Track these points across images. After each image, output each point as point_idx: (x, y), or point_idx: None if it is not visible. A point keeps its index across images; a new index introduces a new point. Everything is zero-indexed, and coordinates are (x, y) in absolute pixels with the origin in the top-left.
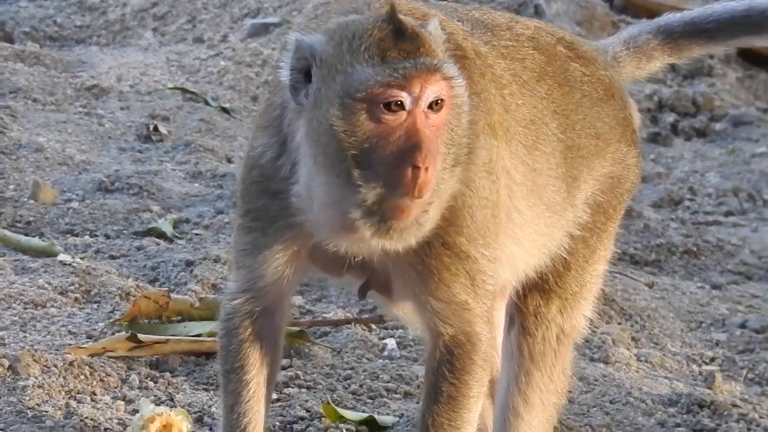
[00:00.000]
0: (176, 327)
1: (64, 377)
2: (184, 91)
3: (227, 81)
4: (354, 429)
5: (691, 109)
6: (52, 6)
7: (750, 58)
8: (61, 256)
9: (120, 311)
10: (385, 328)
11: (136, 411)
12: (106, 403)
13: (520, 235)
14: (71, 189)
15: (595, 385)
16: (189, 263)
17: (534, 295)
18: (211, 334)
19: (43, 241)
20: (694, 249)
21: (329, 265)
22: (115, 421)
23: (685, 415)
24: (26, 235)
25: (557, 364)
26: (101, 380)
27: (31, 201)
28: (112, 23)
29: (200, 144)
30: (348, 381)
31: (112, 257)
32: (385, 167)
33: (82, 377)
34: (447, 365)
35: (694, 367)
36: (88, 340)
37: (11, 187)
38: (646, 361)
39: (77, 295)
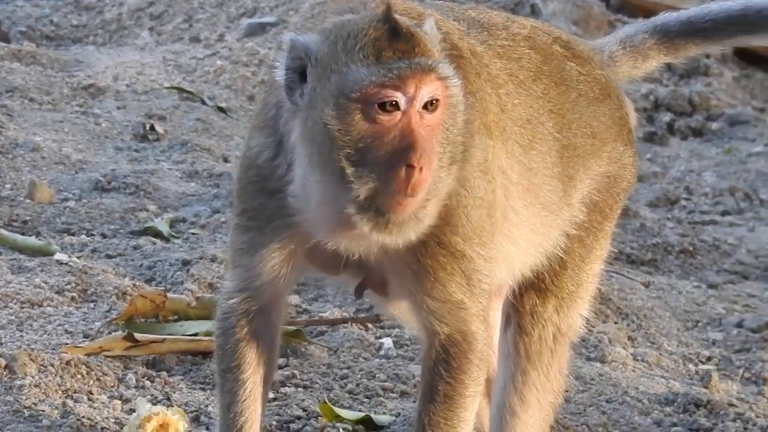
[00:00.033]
0: (173, 326)
1: (60, 376)
2: (181, 90)
3: (224, 80)
4: (350, 428)
5: (687, 109)
6: (48, 5)
7: (746, 58)
8: (58, 256)
9: (117, 310)
10: (382, 328)
11: (132, 410)
12: (103, 403)
13: (517, 234)
14: (68, 188)
15: (591, 385)
16: (185, 262)
17: (530, 295)
18: (208, 334)
19: (39, 240)
20: (691, 248)
21: (326, 264)
22: (112, 420)
23: (681, 415)
24: (23, 234)
25: (554, 364)
26: (98, 379)
27: (28, 200)
28: (108, 23)
29: (197, 143)
30: (344, 380)
31: (109, 256)
32: (379, 166)
33: (79, 376)
34: (443, 364)
35: (691, 366)
36: (84, 339)
37: (8, 186)
38: (643, 361)
39: (74, 294)
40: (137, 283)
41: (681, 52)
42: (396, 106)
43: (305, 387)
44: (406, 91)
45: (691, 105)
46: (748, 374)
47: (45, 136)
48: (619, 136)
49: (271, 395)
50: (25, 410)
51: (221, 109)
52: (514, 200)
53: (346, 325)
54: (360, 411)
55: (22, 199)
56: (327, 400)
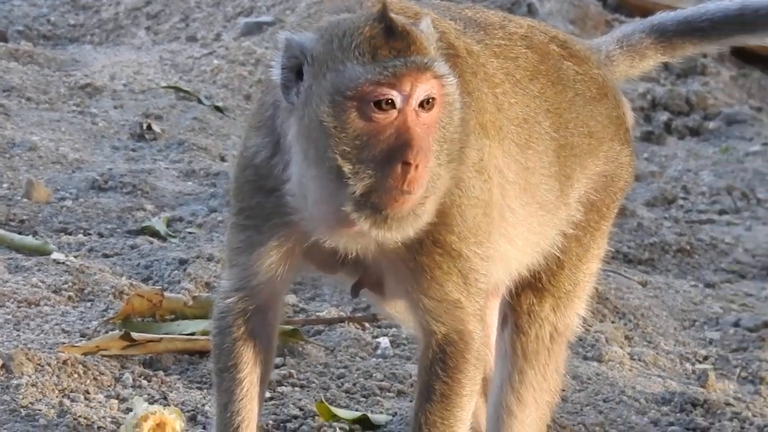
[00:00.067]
0: (170, 325)
1: (57, 376)
2: (178, 89)
3: (220, 80)
4: (347, 427)
5: (684, 108)
6: (45, 5)
7: (743, 57)
8: (55, 255)
9: (113, 310)
10: (379, 327)
11: (129, 410)
12: (100, 402)
13: (513, 233)
14: (65, 187)
15: (588, 384)
16: (182, 262)
17: (527, 294)
18: (205, 333)
19: (36, 239)
20: (688, 247)
21: (323, 262)
22: (109, 419)
23: (678, 414)
24: (20, 233)
25: (550, 363)
26: (95, 379)
27: (25, 199)
28: (105, 22)
29: (194, 142)
30: (341, 379)
31: (106, 256)
32: (376, 164)
33: (76, 376)
34: (440, 364)
35: (688, 365)
36: (81, 338)
37: (5, 185)
38: (640, 360)
39: (71, 293)
40: (134, 283)
41: (678, 52)
42: (392, 104)
43: (302, 386)
44: (401, 89)
45: (688, 104)
46: (745, 373)
47: (42, 136)
48: (616, 135)
49: (267, 394)
50: (21, 409)
51: (218, 109)
52: (511, 199)
53: (343, 324)
54: (357, 410)
55: (19, 198)
56: (324, 400)
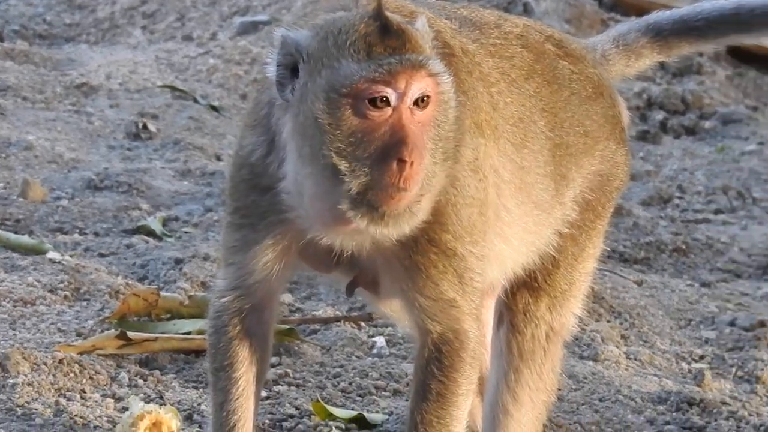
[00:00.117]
0: (165, 325)
1: (53, 375)
2: (173, 89)
3: (216, 79)
4: (343, 427)
5: (680, 107)
6: (41, 4)
7: (739, 56)
8: (51, 254)
9: (109, 309)
10: (375, 326)
11: (125, 409)
12: (96, 401)
13: (509, 233)
14: (60, 187)
15: (584, 383)
16: (178, 261)
17: (523, 293)
18: (201, 332)
19: (32, 238)
20: (684, 247)
21: (318, 261)
22: (105, 419)
23: (674, 413)
24: (15, 232)
25: (546, 362)
26: (91, 378)
27: (21, 199)
28: (101, 21)
29: (189, 142)
30: (337, 379)
31: (102, 255)
32: (371, 161)
33: (72, 375)
34: (436, 363)
35: (684, 364)
36: (77, 337)
37: (0, 185)
38: (636, 359)
39: (67, 292)
40: (130, 282)
41: (674, 51)
42: (386, 101)
43: (298, 385)
44: (396, 87)
45: (684, 103)
46: (741, 373)
47: (38, 135)
48: (612, 134)
49: (263, 394)
50: (17, 409)
51: (214, 108)
52: (507, 199)
53: (338, 323)
54: (353, 409)
55: (15, 197)
56: (320, 399)
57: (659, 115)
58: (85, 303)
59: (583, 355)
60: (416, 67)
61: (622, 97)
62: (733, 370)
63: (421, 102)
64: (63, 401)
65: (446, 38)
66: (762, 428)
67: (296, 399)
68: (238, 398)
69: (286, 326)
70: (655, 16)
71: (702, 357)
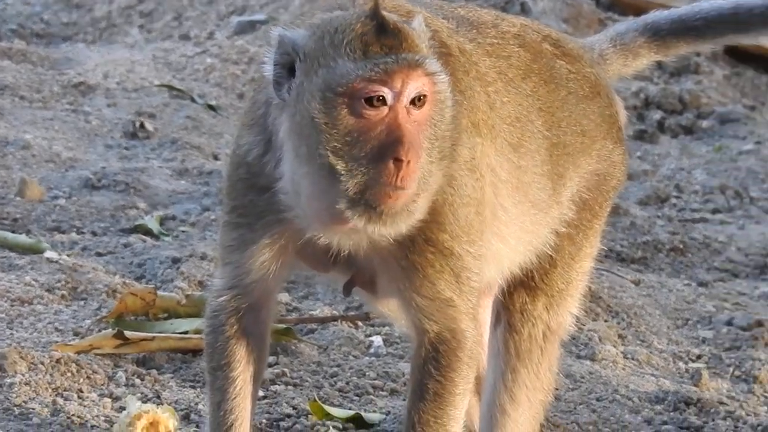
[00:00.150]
0: (163, 324)
1: (50, 374)
2: (171, 88)
3: (213, 78)
4: (340, 426)
5: (677, 107)
6: (39, 3)
7: (737, 56)
8: (48, 253)
9: (107, 308)
10: (372, 326)
11: (122, 408)
12: (93, 401)
13: (506, 232)
14: (58, 186)
15: (581, 383)
16: (175, 260)
17: (520, 293)
18: (198, 331)
19: (29, 238)
20: (681, 246)
21: (315, 260)
22: (102, 418)
23: (671, 413)
24: (13, 232)
25: (543, 362)
26: (88, 377)
27: (18, 198)
28: (98, 20)
29: (187, 141)
30: (334, 378)
31: (99, 254)
32: (367, 160)
33: (69, 374)
34: (432, 362)
35: (681, 364)
36: (74, 337)
37: None
38: (633, 359)
39: (64, 292)
40: (127, 281)
41: (672, 50)
42: (383, 101)
43: (295, 385)
44: (392, 86)
45: (681, 103)
46: (738, 372)
47: (35, 134)
48: (609, 134)
49: (261, 393)
50: (15, 408)
51: (211, 107)
52: (504, 198)
53: (336, 323)
54: (350, 409)
55: (12, 196)
56: (317, 398)
57: (656, 115)
58: (82, 302)
59: (580, 354)
60: (412, 66)
61: (619, 96)
62: (731, 369)
63: (417, 101)
64: (60, 401)
65: (443, 38)
66: (759, 428)
67: (293, 398)
68: (235, 398)
69: (284, 326)
70: (653, 16)
71: (699, 357)
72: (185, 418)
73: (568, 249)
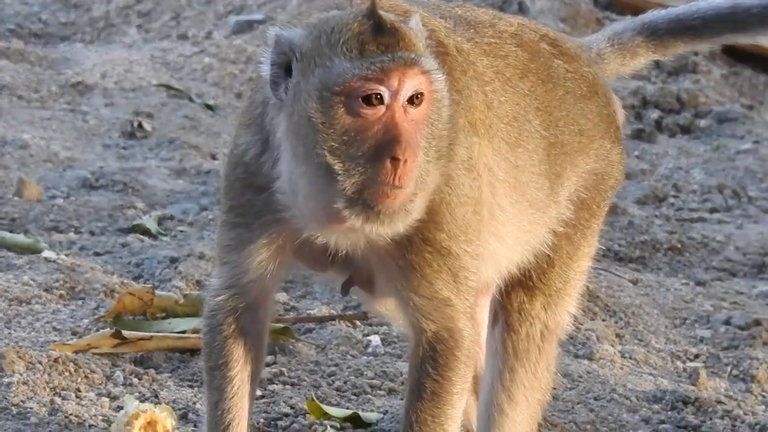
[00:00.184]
0: (160, 324)
1: (48, 374)
2: (169, 87)
3: (211, 78)
4: (338, 426)
5: (675, 106)
6: (36, 3)
7: (734, 55)
8: (46, 253)
9: (104, 308)
10: (370, 325)
11: (120, 408)
12: (91, 400)
13: (503, 231)
14: (56, 186)
15: (579, 382)
16: (173, 260)
17: (518, 292)
18: (196, 331)
19: (27, 237)
20: (679, 246)
21: (313, 260)
22: (100, 417)
23: (669, 412)
24: (11, 231)
25: (541, 361)
26: (86, 377)
27: (16, 198)
28: (96, 20)
29: (184, 141)
30: (332, 378)
31: (97, 254)
32: (365, 159)
33: (67, 374)
34: (430, 361)
35: (679, 363)
36: (72, 336)
37: None
38: (631, 358)
39: (62, 291)
40: (125, 281)
41: (669, 50)
42: (380, 99)
43: (293, 384)
44: (389, 84)
45: (679, 102)
46: (736, 371)
47: (33, 134)
48: (607, 133)
49: (258, 393)
50: (13, 407)
51: (209, 107)
52: (501, 197)
53: (333, 322)
54: (348, 408)
55: (10, 196)
56: (315, 398)
57: (654, 114)
58: (80, 302)
59: (578, 353)
60: (409, 64)
61: (617, 95)
62: (728, 369)
63: (414, 100)
64: (58, 400)
65: (440, 37)
66: (757, 427)
67: (291, 398)
68: (232, 397)
69: (281, 325)
70: (651, 15)
71: (697, 356)
72: (183, 418)
73: (566, 248)
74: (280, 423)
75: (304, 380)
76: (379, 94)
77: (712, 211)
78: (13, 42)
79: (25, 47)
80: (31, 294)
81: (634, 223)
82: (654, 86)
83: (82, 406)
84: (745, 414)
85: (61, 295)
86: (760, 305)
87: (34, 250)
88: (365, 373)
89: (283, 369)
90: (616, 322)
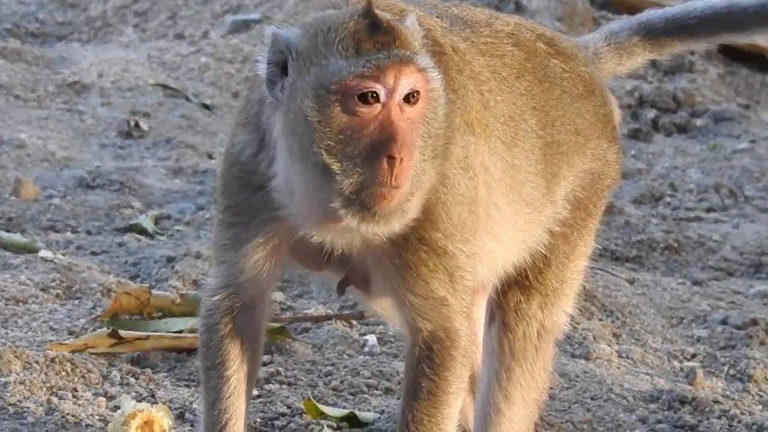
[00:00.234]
0: (157, 323)
1: (45, 373)
2: (165, 87)
3: (208, 77)
4: (335, 425)
5: (671, 105)
6: (33, 2)
7: (731, 54)
8: (43, 253)
9: (101, 307)
10: (366, 324)
11: (117, 407)
12: (88, 400)
13: (499, 231)
14: (53, 185)
15: (576, 382)
16: (170, 259)
17: (515, 292)
18: (192, 330)
19: (24, 237)
20: (675, 245)
21: (309, 259)
22: (97, 417)
23: (666, 412)
24: (8, 231)
25: (538, 361)
26: (82, 376)
27: (13, 197)
28: (93, 20)
29: (181, 140)
30: (329, 377)
31: (94, 253)
32: (361, 158)
33: (64, 373)
34: (426, 361)
35: (676, 363)
36: (69, 336)
37: None
38: (628, 358)
39: (59, 291)
40: (122, 280)
41: (666, 49)
42: (376, 97)
43: (289, 384)
44: (385, 82)
45: (675, 102)
46: (733, 371)
47: (30, 133)
48: (603, 132)
49: (255, 392)
50: (9, 407)
51: (206, 106)
52: (497, 197)
53: (330, 322)
54: (344, 408)
55: (7, 196)
56: (311, 397)
57: (651, 113)
58: (77, 301)
59: (574, 353)
60: (405, 62)
61: (613, 95)
62: (725, 368)
63: (410, 98)
64: (55, 400)
65: (437, 36)
66: (754, 427)
67: (288, 397)
68: (229, 397)
69: (278, 324)
70: (648, 15)
71: (694, 355)
72: (180, 417)
73: (563, 248)
74: (276, 422)
75: (301, 380)
76: (375, 92)
77: (709, 210)
78: (10, 41)
79: (22, 47)
80: (28, 293)
81: (630, 223)
82: (650, 85)
83: (79, 405)
84: (742, 414)
85: (57, 295)
86: (757, 305)
87: (30, 250)
88: (362, 372)
89: (280, 368)
90: (612, 322)
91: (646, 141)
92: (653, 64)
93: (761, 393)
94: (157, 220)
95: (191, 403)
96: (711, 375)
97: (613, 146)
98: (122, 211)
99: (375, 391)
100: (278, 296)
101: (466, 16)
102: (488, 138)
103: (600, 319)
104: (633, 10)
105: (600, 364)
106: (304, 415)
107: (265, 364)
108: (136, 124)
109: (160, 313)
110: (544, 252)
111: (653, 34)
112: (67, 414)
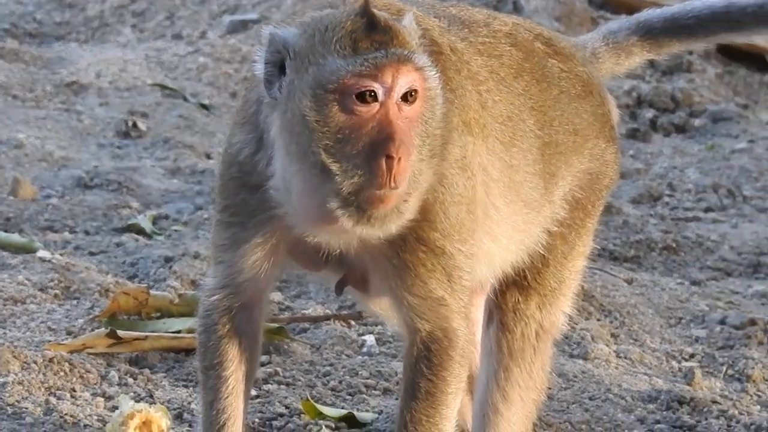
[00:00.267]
0: (155, 323)
1: (43, 374)
2: (163, 87)
3: (206, 77)
4: (333, 425)
5: (670, 105)
6: (31, 2)
7: (729, 54)
8: (41, 253)
9: (99, 307)
10: (365, 325)
11: (115, 407)
12: (86, 400)
13: (498, 231)
14: (51, 185)
15: (574, 382)
16: (168, 259)
17: (513, 292)
18: (191, 331)
19: (22, 237)
20: (674, 245)
21: (307, 259)
22: (95, 417)
23: (664, 412)
24: (5, 231)
25: (536, 361)
26: (81, 377)
27: (11, 197)
28: (91, 20)
29: (179, 140)
30: (327, 377)
31: (92, 253)
32: (359, 158)
33: (62, 374)
34: (424, 361)
35: (674, 363)
36: (67, 336)
37: None
38: (626, 358)
39: (57, 291)
40: (120, 280)
41: (664, 49)
42: (374, 96)
43: (288, 384)
44: (383, 81)
45: (673, 101)
46: (731, 371)
47: (28, 133)
48: (601, 132)
49: (253, 392)
50: (8, 407)
51: (204, 106)
52: (495, 197)
53: (328, 322)
54: (342, 408)
55: (5, 196)
56: (309, 398)
57: (649, 113)
58: (75, 301)
59: (573, 353)
60: (402, 60)
61: (611, 94)
62: (724, 368)
63: (408, 97)
64: (53, 400)
65: (434, 36)
66: (752, 427)
67: (286, 398)
68: (227, 397)
69: (276, 325)
70: (646, 14)
71: (692, 355)
72: (178, 418)
73: (561, 248)
74: (275, 423)
75: (299, 380)
76: (373, 91)
77: (707, 210)
78: (8, 41)
79: (19, 47)
80: (26, 294)
81: (628, 223)
82: (648, 85)
83: (77, 406)
84: (741, 414)
85: (55, 295)
86: (755, 305)
87: (28, 250)
88: (360, 372)
89: (278, 369)
90: (611, 322)
91: (645, 141)
92: (651, 63)
93: (759, 393)
94: (155, 220)
95: (189, 403)
96: (709, 375)
97: (612, 146)
98: (120, 211)
99: (373, 392)
100: (276, 296)
101: (464, 15)
102: (486, 138)
103: (598, 319)
104: (631, 10)
105: (598, 365)
106: (302, 415)
107: (263, 365)
108: (134, 124)
109: (158, 314)
110: (543, 252)
111: (651, 33)
112: (66, 414)
